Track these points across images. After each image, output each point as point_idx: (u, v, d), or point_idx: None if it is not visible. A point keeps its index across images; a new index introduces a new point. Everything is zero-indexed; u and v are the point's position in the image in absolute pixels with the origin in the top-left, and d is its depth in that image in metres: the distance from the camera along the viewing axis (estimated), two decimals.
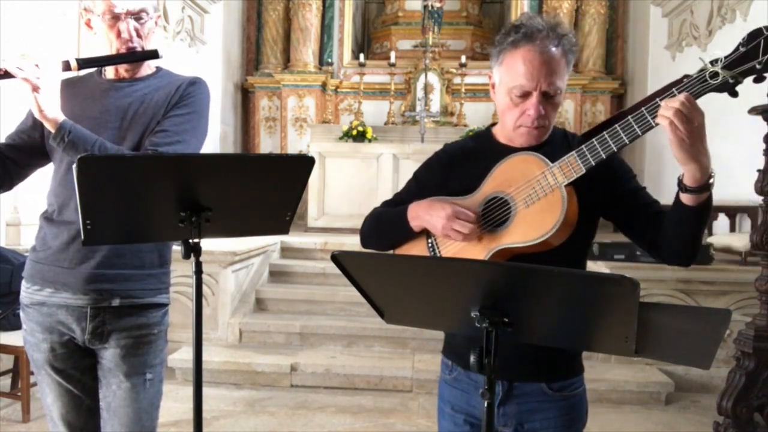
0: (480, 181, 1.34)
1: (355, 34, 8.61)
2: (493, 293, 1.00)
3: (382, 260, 1.12)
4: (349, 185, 6.60)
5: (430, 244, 1.40)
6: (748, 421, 2.69)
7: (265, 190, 1.38)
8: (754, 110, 2.58)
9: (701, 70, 1.14)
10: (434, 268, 1.07)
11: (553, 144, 1.36)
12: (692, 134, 1.11)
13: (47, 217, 1.61)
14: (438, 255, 1.38)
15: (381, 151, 6.63)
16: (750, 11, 5.19)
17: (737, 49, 1.12)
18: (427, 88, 7.53)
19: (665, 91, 1.15)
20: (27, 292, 1.62)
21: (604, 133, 1.21)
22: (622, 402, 3.74)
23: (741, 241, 4.24)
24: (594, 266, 4.18)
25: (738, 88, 1.15)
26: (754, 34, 1.12)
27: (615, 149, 1.20)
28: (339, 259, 1.06)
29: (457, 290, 1.05)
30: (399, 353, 4.21)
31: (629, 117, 1.18)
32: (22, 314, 1.65)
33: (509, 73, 1.29)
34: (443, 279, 1.06)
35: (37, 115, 1.43)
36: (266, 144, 8.18)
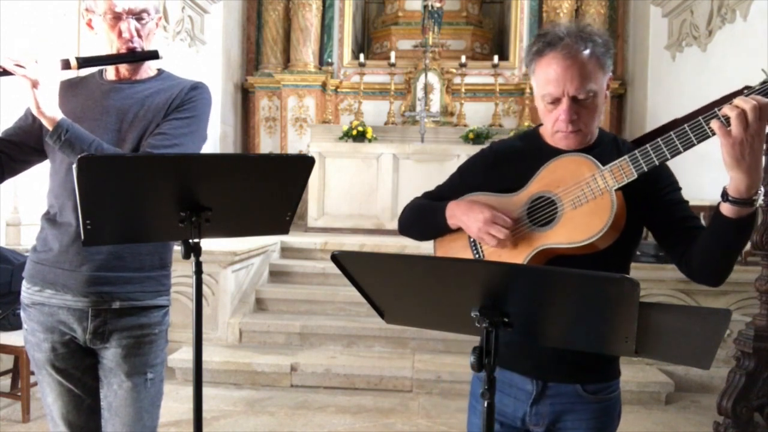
0: (525, 180, 1.34)
1: (355, 34, 8.61)
2: (493, 293, 1.00)
3: (382, 260, 1.12)
4: (349, 185, 6.60)
5: (471, 240, 1.40)
6: (748, 421, 2.69)
7: (265, 190, 1.38)
8: None
9: (764, 82, 1.13)
10: (434, 268, 1.07)
11: (602, 147, 1.36)
12: (744, 141, 1.08)
13: (49, 219, 1.61)
14: (480, 250, 1.39)
15: (381, 151, 6.64)
16: (750, 11, 5.19)
17: None
18: (427, 88, 7.53)
19: (724, 101, 1.12)
20: (28, 292, 1.62)
21: (659, 139, 1.19)
22: (623, 402, 3.72)
23: None
24: None
25: None
26: None
27: (669, 157, 1.18)
28: (339, 259, 1.06)
29: (457, 290, 1.05)
30: (399, 353, 4.21)
31: (685, 125, 1.16)
32: (23, 314, 1.65)
33: (539, 81, 1.31)
34: (443, 279, 1.06)
35: (34, 112, 1.43)
36: (266, 144, 8.18)
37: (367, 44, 8.99)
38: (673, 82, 6.43)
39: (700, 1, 6.04)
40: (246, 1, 8.27)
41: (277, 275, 5.09)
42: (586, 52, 1.26)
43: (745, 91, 1.13)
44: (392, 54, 7.61)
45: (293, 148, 7.83)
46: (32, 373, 3.11)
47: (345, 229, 6.47)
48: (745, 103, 1.08)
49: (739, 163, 1.10)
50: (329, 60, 8.10)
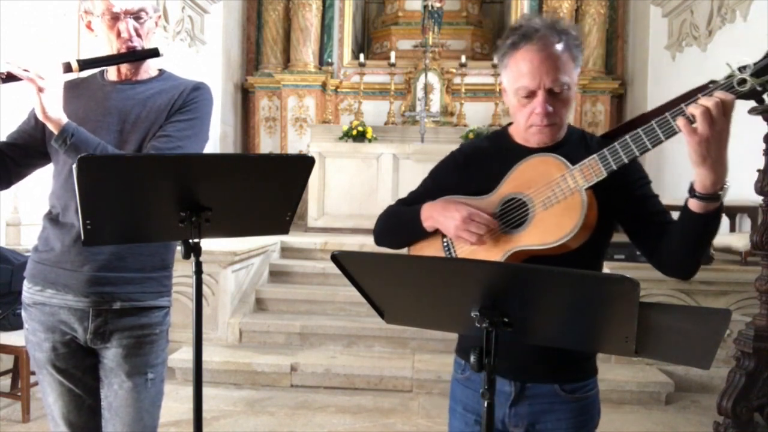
0: (496, 182, 1.34)
1: (355, 34, 8.61)
2: (493, 293, 1.00)
3: (382, 260, 1.12)
4: (349, 185, 6.60)
5: (445, 244, 1.39)
6: (748, 421, 2.69)
7: (265, 190, 1.38)
8: (754, 110, 2.58)
9: (729, 77, 1.12)
10: (434, 268, 1.07)
11: (570, 144, 1.35)
12: (711, 139, 1.08)
13: (51, 218, 1.61)
14: (453, 255, 1.38)
15: (381, 151, 6.64)
16: (750, 11, 5.19)
17: (767, 56, 1.09)
18: (427, 88, 7.53)
19: (690, 97, 1.13)
20: (29, 292, 1.62)
21: (627, 137, 1.19)
22: (622, 402, 3.74)
23: (741, 241, 4.24)
24: None
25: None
26: None
27: (638, 154, 1.18)
28: (339, 259, 1.06)
29: (457, 290, 1.05)
30: (399, 353, 4.21)
31: (653, 122, 1.16)
32: (24, 313, 1.65)
33: (513, 74, 1.30)
34: (443, 279, 1.06)
35: (40, 117, 1.44)
36: (266, 144, 8.18)
37: (367, 44, 8.99)
38: (673, 82, 6.42)
39: (700, 1, 6.04)
40: (246, 1, 8.27)
41: (277, 275, 5.09)
42: (561, 44, 1.27)
43: (711, 85, 1.13)
44: (392, 54, 7.61)
45: (293, 148, 7.83)
46: (32, 373, 3.11)
47: (345, 229, 6.46)
48: (708, 101, 1.08)
49: (705, 159, 1.10)
50: (329, 60, 8.09)
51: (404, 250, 1.51)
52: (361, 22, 9.09)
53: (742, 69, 1.11)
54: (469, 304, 1.01)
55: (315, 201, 6.60)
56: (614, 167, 1.21)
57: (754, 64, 1.10)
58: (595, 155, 1.23)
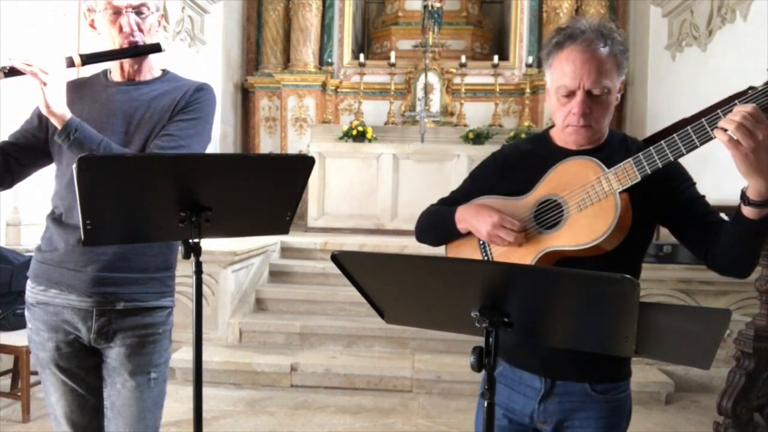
0: (534, 184, 1.36)
1: (355, 34, 8.61)
2: (493, 293, 1.00)
3: (382, 260, 1.12)
4: (349, 185, 6.60)
5: (481, 243, 1.42)
6: (748, 421, 2.69)
7: (265, 190, 1.38)
8: None
9: (767, 83, 1.12)
10: (434, 268, 1.07)
11: (611, 148, 1.36)
12: (757, 149, 1.08)
13: (54, 218, 1.61)
14: (489, 253, 1.41)
15: (381, 151, 6.64)
16: (750, 11, 5.19)
17: None
18: (427, 88, 7.52)
19: (727, 103, 1.13)
20: (32, 291, 1.62)
21: (662, 142, 1.20)
22: None
23: None
24: None
25: None
26: None
27: (672, 159, 1.19)
28: (339, 259, 1.06)
29: (457, 290, 1.05)
30: (399, 353, 4.21)
31: (688, 128, 1.17)
32: (27, 313, 1.65)
33: (555, 73, 1.32)
34: (443, 279, 1.06)
35: (44, 111, 1.44)
36: (266, 144, 8.18)
37: (367, 44, 8.99)
38: (673, 82, 6.43)
39: (700, 1, 6.04)
40: (246, 1, 8.27)
41: (277, 275, 5.09)
42: (606, 48, 1.28)
43: (750, 91, 1.13)
44: (392, 54, 7.60)
45: (293, 148, 7.83)
46: (33, 373, 3.11)
47: (345, 229, 6.47)
48: (736, 115, 1.08)
49: (756, 169, 1.11)
50: (329, 60, 8.09)
51: (423, 246, 1.54)
52: (361, 22, 9.09)
53: None
54: (469, 304, 1.01)
55: (315, 201, 6.61)
56: (648, 171, 1.22)
57: None
58: (630, 159, 1.24)
